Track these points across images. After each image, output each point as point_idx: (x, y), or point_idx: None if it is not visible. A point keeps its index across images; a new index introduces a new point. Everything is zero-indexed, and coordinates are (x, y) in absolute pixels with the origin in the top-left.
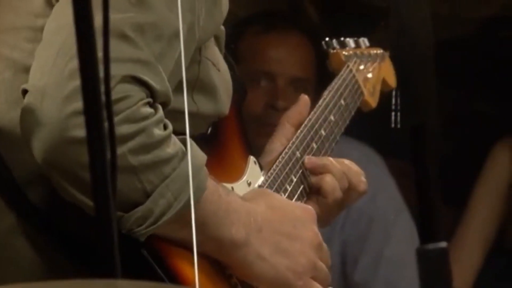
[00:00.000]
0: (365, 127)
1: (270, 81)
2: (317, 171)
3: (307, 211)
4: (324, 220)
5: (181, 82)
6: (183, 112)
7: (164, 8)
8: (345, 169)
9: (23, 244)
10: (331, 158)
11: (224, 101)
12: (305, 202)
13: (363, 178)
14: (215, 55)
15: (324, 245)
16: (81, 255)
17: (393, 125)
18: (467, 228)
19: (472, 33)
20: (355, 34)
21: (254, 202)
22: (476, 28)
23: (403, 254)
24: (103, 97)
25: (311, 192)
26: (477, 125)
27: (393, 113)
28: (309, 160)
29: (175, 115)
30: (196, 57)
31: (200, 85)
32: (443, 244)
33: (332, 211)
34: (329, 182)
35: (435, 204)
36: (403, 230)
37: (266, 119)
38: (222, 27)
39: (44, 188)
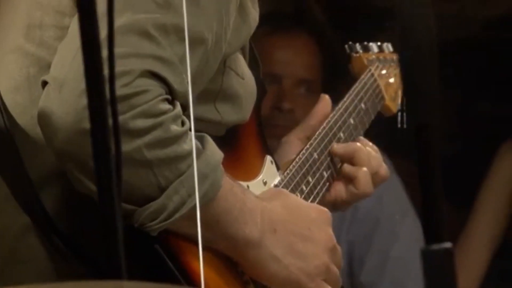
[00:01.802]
0: (372, 127)
1: (275, 82)
2: (349, 155)
3: (322, 213)
4: (344, 206)
5: (203, 92)
6: (205, 121)
7: (189, 13)
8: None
9: (36, 244)
10: (358, 143)
11: (248, 109)
12: (332, 185)
13: (383, 164)
14: (240, 62)
15: (338, 247)
16: (92, 259)
17: (399, 125)
18: (473, 230)
19: (478, 33)
20: (361, 36)
21: (270, 201)
22: (482, 29)
23: (410, 254)
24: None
25: (345, 178)
26: (482, 125)
27: (399, 113)
28: (338, 146)
29: (196, 123)
30: (221, 68)
31: (223, 95)
32: (447, 244)
33: (355, 200)
34: (365, 174)
35: (439, 205)
36: (410, 231)
37: (272, 121)
38: None
39: (58, 190)
